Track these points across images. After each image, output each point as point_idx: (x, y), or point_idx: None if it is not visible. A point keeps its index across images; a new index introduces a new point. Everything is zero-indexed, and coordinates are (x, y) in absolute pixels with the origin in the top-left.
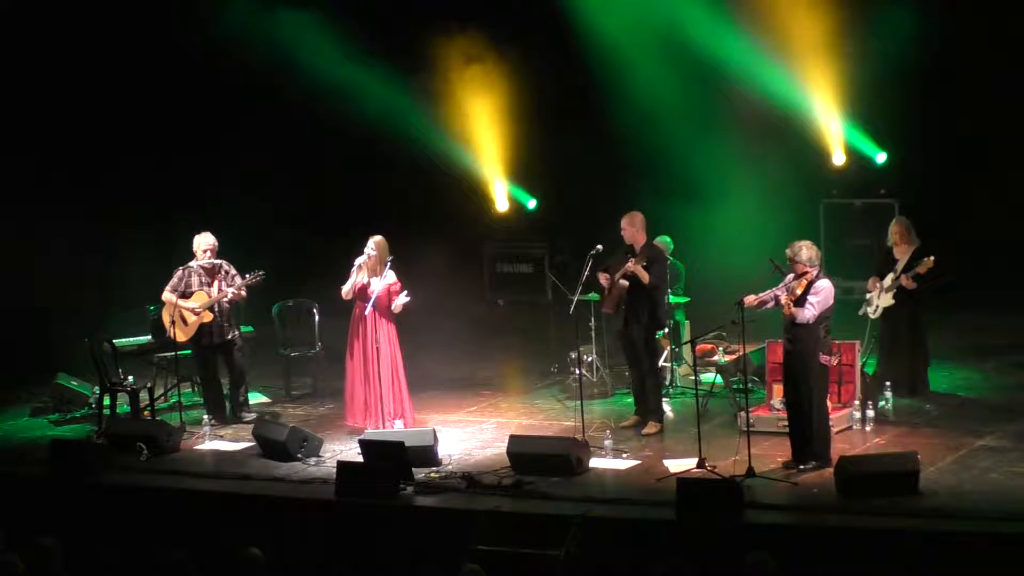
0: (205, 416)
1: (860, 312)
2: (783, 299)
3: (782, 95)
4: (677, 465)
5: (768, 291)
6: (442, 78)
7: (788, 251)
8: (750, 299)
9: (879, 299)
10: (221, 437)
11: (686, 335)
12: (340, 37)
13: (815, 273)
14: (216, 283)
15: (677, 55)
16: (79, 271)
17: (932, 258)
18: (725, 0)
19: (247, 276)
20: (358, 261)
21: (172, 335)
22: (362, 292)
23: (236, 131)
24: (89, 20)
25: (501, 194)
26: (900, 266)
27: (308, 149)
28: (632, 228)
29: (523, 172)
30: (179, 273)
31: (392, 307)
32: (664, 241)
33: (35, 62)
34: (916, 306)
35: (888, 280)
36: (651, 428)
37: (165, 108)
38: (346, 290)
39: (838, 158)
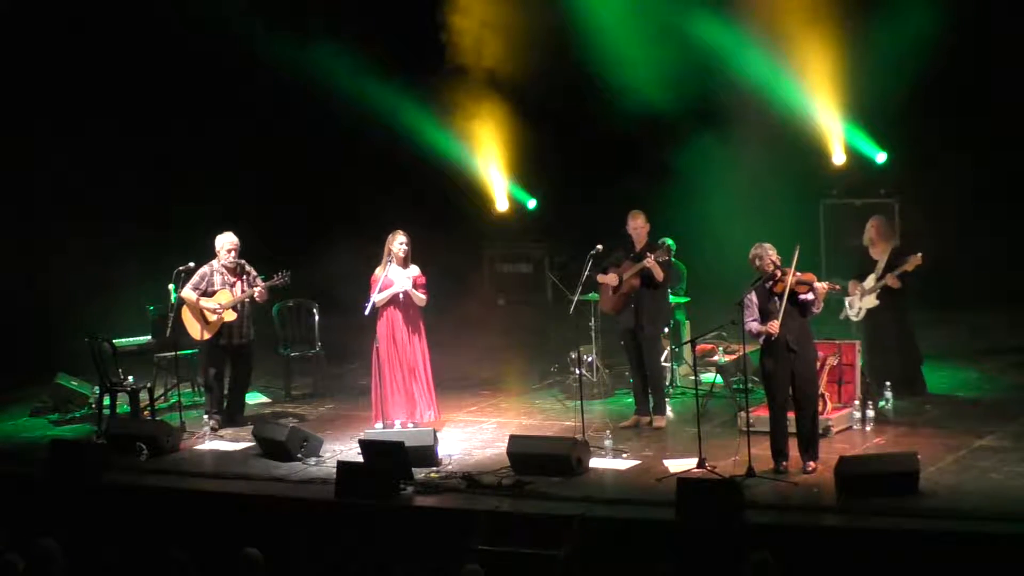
0: (205, 416)
1: (841, 316)
2: (819, 291)
3: (782, 95)
4: (677, 465)
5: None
6: (444, 80)
7: (767, 256)
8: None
9: (860, 301)
10: (221, 437)
11: (686, 335)
12: (339, 35)
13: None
14: (239, 283)
15: (677, 55)
16: (79, 271)
17: (920, 255)
18: (726, 0)
19: (275, 276)
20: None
21: (200, 334)
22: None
23: (235, 130)
24: (92, 20)
25: (501, 194)
26: (881, 266)
27: (307, 148)
28: (647, 226)
29: (523, 172)
30: (202, 271)
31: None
32: (667, 243)
33: (33, 58)
34: (901, 306)
35: (870, 281)
36: (660, 422)
37: (164, 107)
38: (381, 298)
39: (838, 158)
